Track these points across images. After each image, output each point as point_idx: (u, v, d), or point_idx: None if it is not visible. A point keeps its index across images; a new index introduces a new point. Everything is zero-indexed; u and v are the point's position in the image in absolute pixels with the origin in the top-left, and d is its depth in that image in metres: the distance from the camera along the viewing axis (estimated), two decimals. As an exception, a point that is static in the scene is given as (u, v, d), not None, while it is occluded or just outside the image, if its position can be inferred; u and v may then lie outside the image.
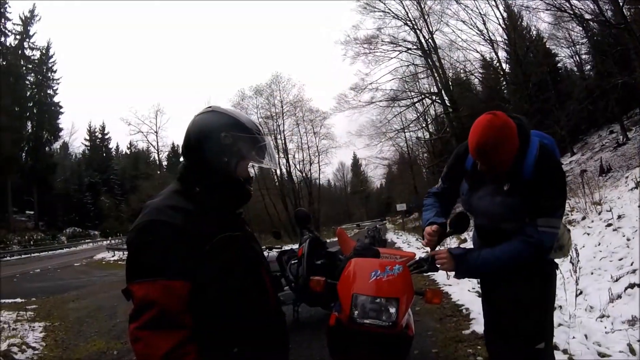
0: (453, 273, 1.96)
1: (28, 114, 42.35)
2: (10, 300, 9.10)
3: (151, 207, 1.25)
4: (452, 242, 11.83)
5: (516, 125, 1.69)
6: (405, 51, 28.82)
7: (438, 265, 1.96)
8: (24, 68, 41.70)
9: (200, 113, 1.39)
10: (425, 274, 3.24)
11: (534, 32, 26.87)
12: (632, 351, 3.05)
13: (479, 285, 2.31)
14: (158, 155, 50.11)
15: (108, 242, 36.60)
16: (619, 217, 6.54)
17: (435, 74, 27.80)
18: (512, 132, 1.65)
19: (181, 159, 1.41)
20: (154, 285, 1.13)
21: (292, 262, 4.55)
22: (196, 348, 1.16)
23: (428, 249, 2.04)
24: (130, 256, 1.20)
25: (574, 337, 3.35)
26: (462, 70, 28.81)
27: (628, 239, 5.55)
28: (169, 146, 53.45)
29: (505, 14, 24.63)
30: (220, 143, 1.31)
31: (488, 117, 1.65)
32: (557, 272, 1.96)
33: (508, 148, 1.65)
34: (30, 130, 42.72)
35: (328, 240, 4.82)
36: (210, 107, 1.41)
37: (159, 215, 1.21)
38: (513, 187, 1.76)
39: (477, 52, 26.75)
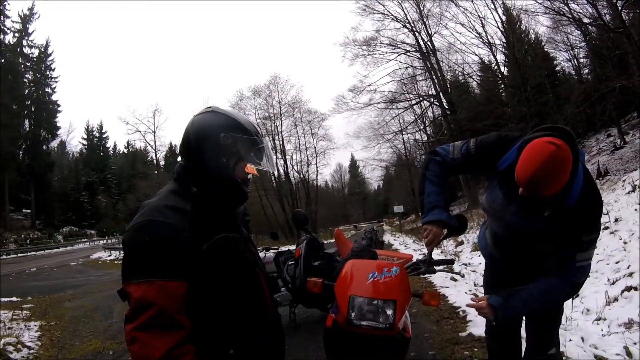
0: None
1: (26, 112, 42.22)
2: (6, 299, 9.03)
3: (148, 207, 1.24)
4: (448, 244, 11.85)
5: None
6: (403, 53, 29.01)
7: (478, 313, 1.93)
8: (23, 66, 41.53)
9: (199, 113, 1.39)
10: (422, 276, 3.23)
11: (533, 36, 27.15)
12: (629, 354, 3.06)
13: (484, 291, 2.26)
14: (156, 154, 50.00)
15: (105, 241, 36.53)
16: (616, 220, 6.57)
17: (434, 77, 27.92)
18: (570, 165, 1.47)
19: (179, 158, 1.41)
20: (150, 286, 1.12)
21: (289, 263, 4.55)
22: (194, 349, 1.15)
23: (425, 251, 2.05)
24: (127, 256, 1.19)
25: (570, 340, 3.36)
26: (460, 73, 28.96)
27: (625, 242, 5.57)
28: (166, 146, 53.57)
29: (504, 17, 24.79)
30: (219, 144, 1.31)
31: (551, 149, 1.43)
32: None
33: (562, 182, 1.48)
34: (27, 129, 42.59)
35: (325, 242, 4.81)
36: (209, 107, 1.40)
37: (156, 215, 1.20)
38: (555, 215, 1.61)
39: (476, 54, 26.90)
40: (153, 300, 1.10)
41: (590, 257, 1.71)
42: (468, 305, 2.04)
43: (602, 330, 3.69)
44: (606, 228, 6.42)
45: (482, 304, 1.86)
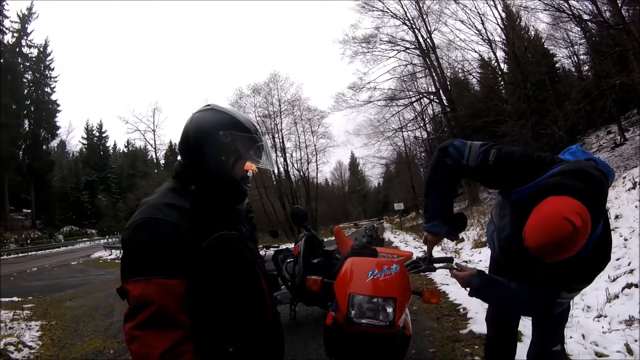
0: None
1: (25, 112, 42.26)
2: (7, 299, 9.04)
3: (147, 205, 1.23)
4: (448, 241, 11.84)
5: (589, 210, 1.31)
6: (403, 50, 28.96)
7: (457, 280, 1.92)
8: (22, 66, 41.58)
9: (198, 111, 1.38)
10: (422, 274, 3.22)
11: (533, 32, 27.09)
12: (630, 351, 3.05)
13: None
14: (155, 153, 50.19)
15: (105, 240, 36.62)
16: (617, 217, 6.55)
17: (434, 74, 27.89)
18: (584, 241, 1.30)
19: (178, 157, 1.40)
20: (149, 284, 1.11)
21: (289, 261, 4.53)
22: (193, 347, 1.14)
23: (425, 248, 2.05)
24: (126, 254, 1.18)
25: (571, 337, 3.35)
26: (460, 70, 28.96)
27: (625, 239, 5.56)
28: (166, 144, 53.64)
29: (503, 14, 24.71)
30: (219, 141, 1.30)
31: (567, 230, 1.25)
32: None
33: (571, 254, 1.32)
34: (27, 129, 42.64)
35: (325, 239, 4.79)
36: (209, 105, 1.39)
37: (155, 212, 1.19)
38: (557, 263, 1.44)
39: (476, 51, 26.89)
40: (152, 299, 1.10)
41: (572, 298, 1.71)
42: (450, 271, 1.98)
43: (602, 327, 3.68)
44: (606, 225, 6.41)
45: (464, 276, 1.85)
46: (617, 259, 5.10)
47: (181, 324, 1.14)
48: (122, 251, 1.21)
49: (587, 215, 1.30)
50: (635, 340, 3.19)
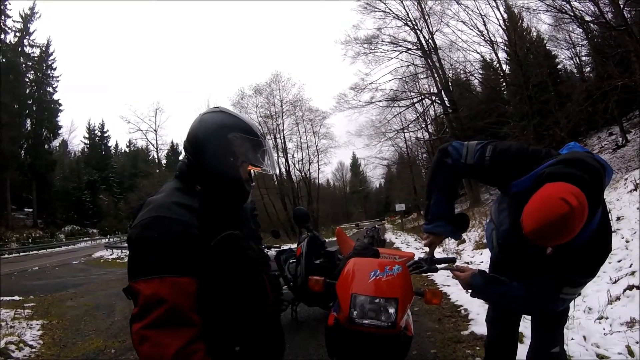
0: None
1: (27, 111, 42.38)
2: (8, 298, 9.05)
3: (155, 204, 1.23)
4: (450, 242, 11.83)
5: (587, 196, 1.30)
6: (405, 51, 28.93)
7: (457, 281, 1.94)
8: (24, 65, 41.64)
9: (207, 112, 1.40)
10: (424, 274, 3.22)
11: (535, 34, 26.99)
12: (631, 353, 3.05)
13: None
14: (157, 153, 50.31)
15: (106, 240, 36.64)
16: (618, 219, 6.55)
17: (435, 75, 27.86)
18: (581, 223, 1.30)
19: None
20: (162, 283, 1.10)
21: (291, 261, 4.54)
22: (204, 345, 1.14)
23: (427, 249, 2.05)
24: (135, 253, 1.17)
25: (572, 339, 3.35)
26: (462, 71, 28.85)
27: (627, 241, 5.56)
28: (168, 144, 53.87)
29: (505, 15, 24.64)
30: (229, 143, 1.32)
31: (563, 210, 1.25)
32: None
33: (568, 238, 1.31)
34: (29, 128, 42.76)
35: (327, 240, 4.79)
36: (217, 107, 1.42)
37: (165, 211, 1.19)
38: (557, 254, 1.45)
39: (477, 52, 26.80)
40: (165, 297, 1.09)
41: (575, 294, 1.69)
42: (451, 270, 2.03)
43: (604, 329, 3.67)
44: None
45: (465, 277, 1.87)
46: (619, 261, 5.10)
47: (193, 323, 1.14)
48: (129, 250, 1.20)
49: (583, 197, 1.29)
50: (637, 342, 3.19)
